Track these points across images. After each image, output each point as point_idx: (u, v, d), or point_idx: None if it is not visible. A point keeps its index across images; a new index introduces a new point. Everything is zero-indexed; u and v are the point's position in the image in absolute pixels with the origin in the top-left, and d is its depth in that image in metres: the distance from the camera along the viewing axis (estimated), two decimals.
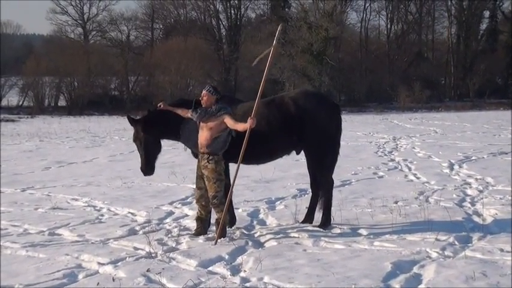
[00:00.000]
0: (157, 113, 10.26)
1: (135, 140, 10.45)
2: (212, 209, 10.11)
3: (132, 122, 10.38)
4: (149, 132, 10.23)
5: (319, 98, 11.25)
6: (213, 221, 10.23)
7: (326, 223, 10.52)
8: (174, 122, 10.22)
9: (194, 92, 60.19)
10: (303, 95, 10.74)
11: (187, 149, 10.55)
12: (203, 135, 9.84)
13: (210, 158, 9.78)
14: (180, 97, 11.41)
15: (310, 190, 11.10)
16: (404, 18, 71.61)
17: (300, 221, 10.87)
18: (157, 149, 10.51)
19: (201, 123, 9.88)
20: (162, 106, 10.13)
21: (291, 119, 10.21)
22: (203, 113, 9.84)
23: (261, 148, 10.14)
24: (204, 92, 9.95)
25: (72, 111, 54.09)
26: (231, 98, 10.97)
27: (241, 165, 9.97)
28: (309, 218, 10.88)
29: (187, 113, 9.99)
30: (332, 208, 10.87)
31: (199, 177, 9.99)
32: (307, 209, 11.00)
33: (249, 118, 9.53)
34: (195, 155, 10.31)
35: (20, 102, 61.72)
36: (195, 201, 10.27)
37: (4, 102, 61.95)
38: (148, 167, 10.39)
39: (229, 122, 9.71)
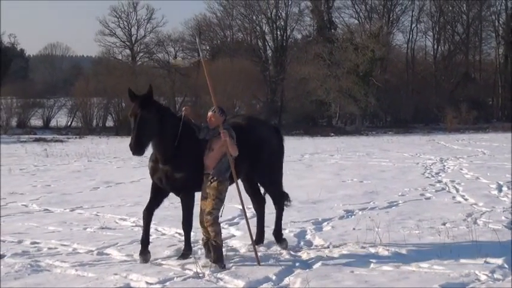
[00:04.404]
0: (158, 105, 9.97)
1: (131, 115, 9.63)
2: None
3: (133, 96, 9.76)
4: (149, 110, 9.60)
5: (268, 125, 11.61)
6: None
7: (280, 237, 10.88)
8: (169, 123, 9.84)
9: (240, 113, 60.45)
10: (257, 124, 10.94)
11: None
12: (208, 156, 9.71)
13: (215, 178, 9.63)
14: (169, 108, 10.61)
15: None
16: (451, 38, 71.28)
17: (250, 244, 10.30)
18: (153, 131, 9.66)
19: (208, 144, 9.75)
20: (187, 111, 9.89)
21: (250, 146, 10.24)
22: (206, 130, 9.73)
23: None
24: (210, 113, 9.77)
25: (119, 131, 54.48)
26: None
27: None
28: (260, 238, 10.86)
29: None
30: (379, 229, 10.86)
31: (205, 199, 9.72)
32: (257, 230, 10.90)
33: (221, 132, 9.51)
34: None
35: (69, 123, 62.56)
36: (198, 223, 9.90)
37: (53, 123, 62.84)
38: (138, 144, 9.47)
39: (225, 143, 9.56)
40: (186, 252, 10.11)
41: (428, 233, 11.66)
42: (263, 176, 10.79)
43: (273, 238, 11.30)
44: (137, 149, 9.49)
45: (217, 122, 9.73)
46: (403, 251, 10.19)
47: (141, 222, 10.52)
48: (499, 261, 9.36)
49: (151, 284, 8.75)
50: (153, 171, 10.04)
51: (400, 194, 16.94)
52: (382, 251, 10.20)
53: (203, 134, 9.74)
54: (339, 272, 9.08)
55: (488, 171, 21.88)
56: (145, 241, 10.13)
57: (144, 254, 10.02)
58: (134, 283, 8.85)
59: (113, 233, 12.47)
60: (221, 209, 9.72)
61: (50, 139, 47.46)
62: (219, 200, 9.62)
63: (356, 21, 67.16)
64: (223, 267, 9.37)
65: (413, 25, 69.38)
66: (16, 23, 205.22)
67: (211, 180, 9.60)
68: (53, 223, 13.61)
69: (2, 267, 9.73)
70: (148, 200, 10.35)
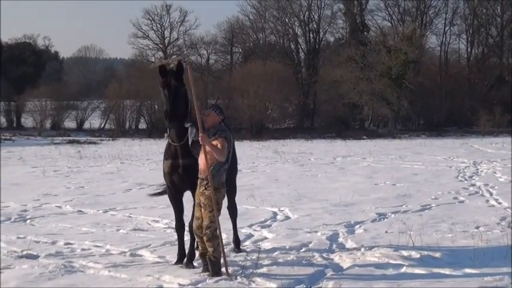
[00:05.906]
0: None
1: (163, 87, 9.47)
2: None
3: (164, 70, 9.66)
4: (180, 83, 9.52)
5: None
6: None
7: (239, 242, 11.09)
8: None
9: (273, 115, 60.50)
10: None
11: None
12: (201, 159, 9.19)
13: (209, 184, 9.09)
14: None
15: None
16: (485, 41, 70.57)
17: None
18: (184, 104, 9.53)
19: (201, 146, 9.15)
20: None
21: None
22: (195, 130, 9.29)
23: None
24: (207, 111, 9.43)
25: (152, 134, 54.59)
26: None
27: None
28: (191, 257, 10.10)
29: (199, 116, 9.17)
30: (412, 232, 10.86)
31: (198, 205, 9.35)
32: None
33: (200, 136, 9.02)
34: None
35: (102, 125, 63.02)
36: (193, 230, 9.58)
37: (87, 125, 63.33)
38: (175, 112, 9.32)
39: (215, 143, 9.10)
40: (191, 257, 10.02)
41: (462, 236, 11.60)
42: (235, 179, 11.01)
43: (305, 241, 11.32)
44: (173, 117, 9.32)
45: (213, 121, 9.36)
46: (436, 255, 10.14)
47: (174, 225, 10.60)
48: None
49: (183, 285, 8.78)
50: (172, 169, 9.75)
51: (433, 197, 16.87)
52: (415, 255, 10.16)
53: (193, 136, 9.37)
54: (371, 275, 9.07)
55: None
56: (181, 259, 10.04)
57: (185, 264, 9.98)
58: (167, 284, 8.88)
59: (146, 234, 12.54)
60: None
61: (83, 141, 47.81)
62: (217, 210, 9.21)
63: (389, 24, 66.85)
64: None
65: (447, 28, 68.83)
66: (50, 26, 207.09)
67: (206, 187, 9.13)
68: (86, 224, 13.72)
69: (36, 267, 9.82)
70: (174, 215, 10.26)
